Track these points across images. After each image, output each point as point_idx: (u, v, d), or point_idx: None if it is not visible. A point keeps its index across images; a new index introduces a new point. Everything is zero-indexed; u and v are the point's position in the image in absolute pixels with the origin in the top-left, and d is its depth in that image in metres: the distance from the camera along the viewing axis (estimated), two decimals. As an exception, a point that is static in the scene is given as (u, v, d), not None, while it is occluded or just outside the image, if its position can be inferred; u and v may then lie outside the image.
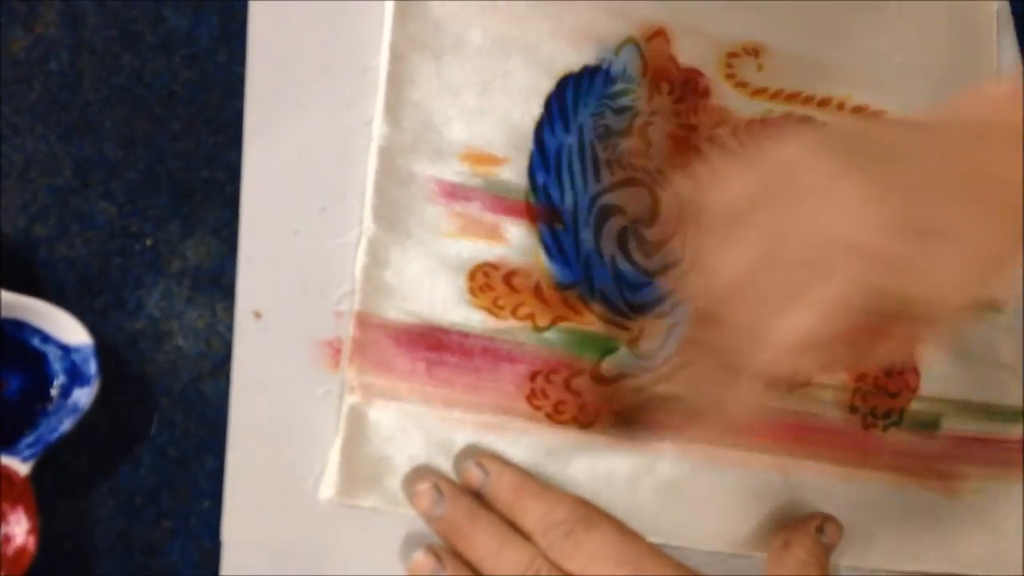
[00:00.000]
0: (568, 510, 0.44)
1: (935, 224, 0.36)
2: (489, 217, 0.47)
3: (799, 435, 0.48)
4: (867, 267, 0.36)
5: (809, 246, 0.37)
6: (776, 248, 0.37)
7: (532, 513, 0.44)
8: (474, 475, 0.45)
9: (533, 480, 0.45)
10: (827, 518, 0.47)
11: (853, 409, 0.49)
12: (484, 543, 0.43)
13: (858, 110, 0.51)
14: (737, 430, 0.46)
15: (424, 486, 0.44)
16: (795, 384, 0.43)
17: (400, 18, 0.47)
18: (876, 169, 0.37)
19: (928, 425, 0.49)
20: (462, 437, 0.46)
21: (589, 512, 0.44)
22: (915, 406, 0.49)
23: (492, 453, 0.46)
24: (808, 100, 0.51)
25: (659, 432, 0.46)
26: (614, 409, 0.46)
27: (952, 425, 0.49)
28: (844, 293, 0.36)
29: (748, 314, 0.38)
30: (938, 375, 0.49)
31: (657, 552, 0.43)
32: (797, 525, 0.47)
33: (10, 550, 0.41)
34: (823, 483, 0.48)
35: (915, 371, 0.49)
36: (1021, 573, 0.49)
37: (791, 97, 0.51)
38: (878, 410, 0.49)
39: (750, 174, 0.39)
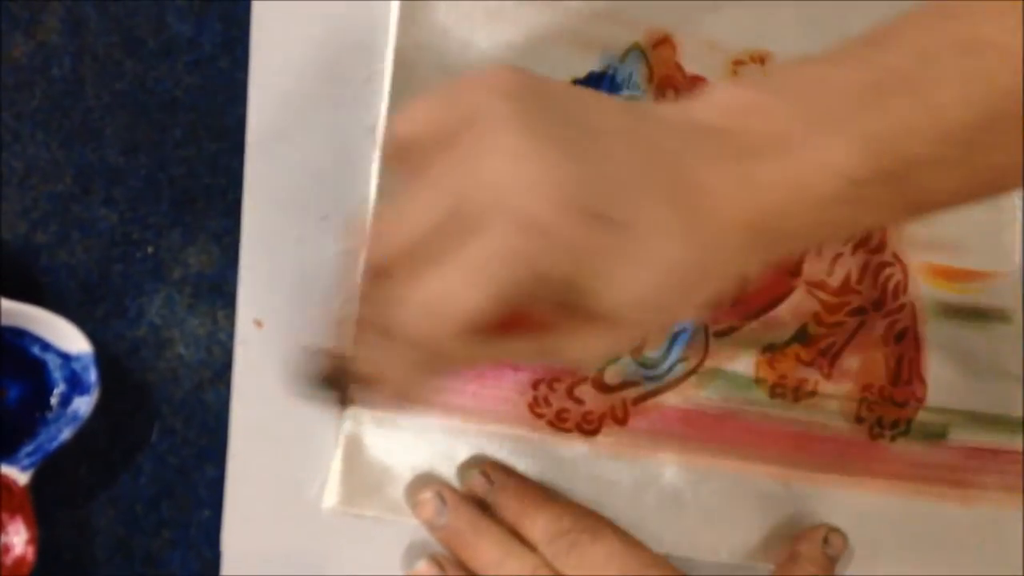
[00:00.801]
0: (573, 519, 0.43)
1: (623, 216, 0.32)
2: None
3: (804, 445, 0.48)
4: (531, 241, 0.31)
5: (477, 208, 0.32)
6: (452, 204, 0.33)
7: (537, 522, 0.43)
8: (478, 483, 0.44)
9: (538, 489, 0.45)
10: (832, 529, 0.46)
11: (859, 419, 0.48)
12: (487, 552, 0.43)
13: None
14: (412, 401, 0.43)
15: (427, 495, 0.44)
16: (468, 361, 0.37)
17: (405, 23, 0.47)
18: (571, 140, 0.33)
19: (936, 435, 0.49)
20: (464, 445, 0.45)
21: (594, 521, 0.44)
22: (922, 416, 0.49)
23: (496, 461, 0.45)
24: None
25: (351, 400, 0.44)
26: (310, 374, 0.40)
27: (960, 436, 0.49)
28: (496, 264, 0.31)
29: (408, 274, 0.33)
30: (945, 385, 0.49)
31: (662, 562, 0.43)
32: (803, 537, 0.46)
33: (9, 560, 0.40)
34: (828, 493, 0.48)
35: (921, 381, 0.49)
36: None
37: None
38: (885, 420, 0.48)
39: (437, 109, 0.34)
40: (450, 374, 0.37)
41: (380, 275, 0.34)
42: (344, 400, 0.44)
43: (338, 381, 0.38)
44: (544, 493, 0.45)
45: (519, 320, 0.34)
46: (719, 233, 0.33)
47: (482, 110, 0.33)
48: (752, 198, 0.33)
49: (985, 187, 0.36)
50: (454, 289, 0.32)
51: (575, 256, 0.32)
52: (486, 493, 0.44)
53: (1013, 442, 0.49)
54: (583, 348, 0.35)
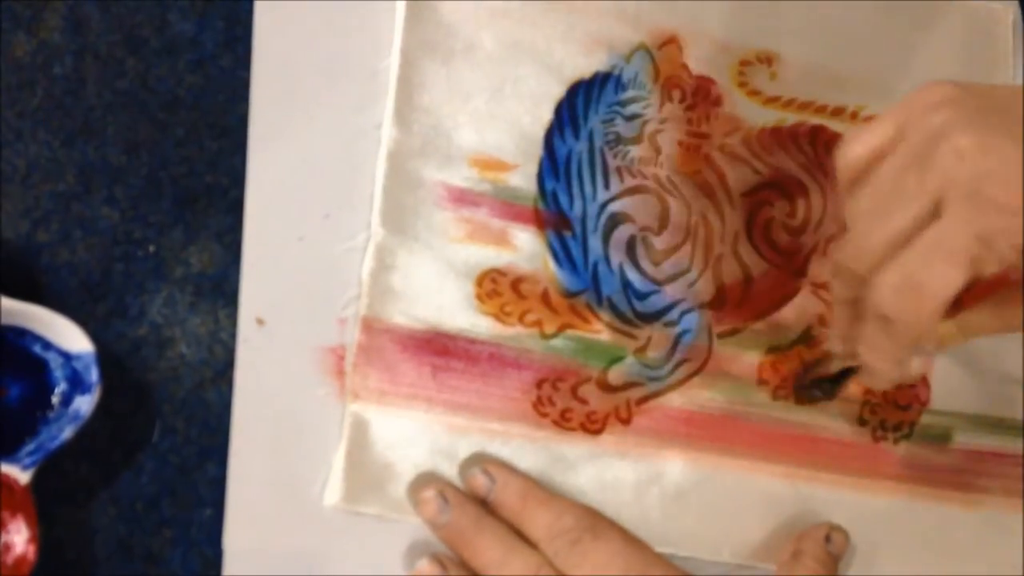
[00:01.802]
0: (575, 519, 0.43)
1: None
2: (497, 223, 0.47)
3: (807, 447, 0.48)
4: (1000, 219, 0.35)
5: (941, 199, 0.36)
6: (917, 204, 0.37)
7: (538, 521, 0.43)
8: (480, 482, 0.44)
9: (540, 488, 0.45)
10: (834, 527, 0.46)
11: (863, 422, 0.48)
12: (489, 550, 0.43)
13: (872, 119, 0.50)
14: (904, 378, 0.46)
15: (429, 493, 0.44)
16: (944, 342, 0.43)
17: (411, 22, 0.47)
18: (1014, 130, 0.36)
19: (940, 439, 0.49)
20: (467, 444, 0.45)
21: (596, 521, 0.44)
22: (926, 419, 0.49)
23: (498, 460, 0.45)
24: (821, 109, 0.50)
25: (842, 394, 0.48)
26: (798, 376, 0.48)
27: (964, 439, 0.49)
28: (968, 242, 0.36)
29: (897, 270, 0.37)
30: (949, 388, 0.49)
31: (664, 562, 0.43)
32: (805, 535, 0.46)
33: (10, 559, 0.40)
34: (831, 494, 0.48)
35: (926, 384, 0.49)
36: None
37: (804, 106, 0.50)
38: (888, 423, 0.48)
39: (883, 127, 0.39)
40: (934, 351, 0.44)
41: (858, 283, 0.39)
42: (835, 392, 0.47)
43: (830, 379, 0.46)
44: (545, 492, 0.45)
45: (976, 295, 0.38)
46: None
47: (929, 121, 0.37)
48: None
49: None
50: (930, 267, 0.36)
51: None
52: (488, 491, 0.44)
53: (1016, 445, 0.49)
54: None
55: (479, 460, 0.45)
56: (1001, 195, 0.35)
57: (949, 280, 0.36)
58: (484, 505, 0.44)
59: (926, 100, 0.38)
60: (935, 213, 0.36)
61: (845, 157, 0.40)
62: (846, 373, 0.46)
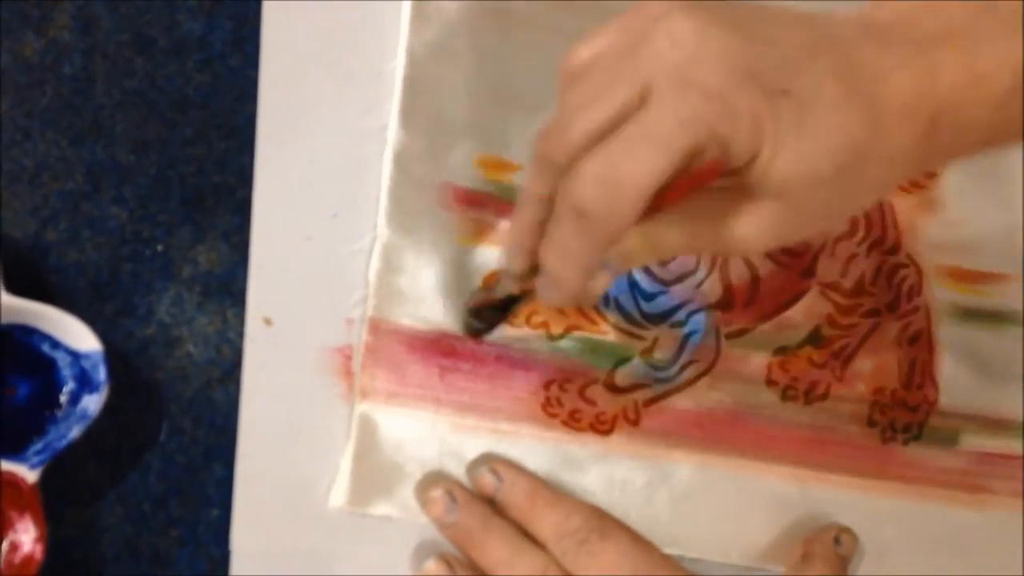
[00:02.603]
0: (583, 519, 0.43)
1: (798, 90, 0.33)
2: (503, 224, 0.47)
3: (816, 448, 0.48)
4: (708, 105, 0.32)
5: (652, 85, 0.33)
6: (627, 90, 0.34)
7: (546, 521, 0.43)
8: (488, 481, 0.44)
9: (548, 488, 0.45)
10: (843, 529, 0.46)
11: (872, 423, 0.48)
12: (497, 550, 0.43)
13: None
14: (592, 300, 0.43)
15: (437, 492, 0.44)
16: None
17: (416, 22, 0.47)
18: (743, 22, 0.34)
19: (948, 440, 0.49)
20: (475, 444, 0.45)
21: (604, 522, 0.44)
22: (934, 421, 0.48)
23: (506, 460, 0.45)
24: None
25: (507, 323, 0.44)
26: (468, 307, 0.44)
27: (973, 440, 0.49)
28: (674, 128, 0.32)
29: (599, 159, 0.34)
30: (957, 389, 0.49)
31: (672, 563, 0.43)
32: (815, 537, 0.46)
33: (17, 558, 0.41)
34: (840, 495, 0.48)
35: (934, 384, 0.49)
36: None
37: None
38: (897, 424, 0.48)
39: (611, 32, 0.36)
40: (619, 267, 0.38)
41: (557, 172, 0.35)
42: (497, 322, 0.44)
43: (496, 307, 0.42)
44: (553, 492, 0.45)
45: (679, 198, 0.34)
46: (897, 118, 0.34)
47: (654, 20, 0.34)
48: (931, 87, 0.34)
49: None
50: (631, 154, 0.33)
51: (749, 122, 0.32)
52: (496, 491, 0.44)
53: (1024, 447, 0.49)
54: (748, 226, 0.35)
55: (487, 460, 0.45)
56: (708, 78, 0.32)
57: (650, 168, 0.32)
58: (492, 505, 0.44)
59: (653, 6, 0.35)
60: (643, 100, 0.33)
61: (567, 60, 0.36)
62: (514, 300, 0.42)
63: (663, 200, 0.34)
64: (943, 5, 0.35)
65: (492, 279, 0.46)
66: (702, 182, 0.34)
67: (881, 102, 0.33)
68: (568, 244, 0.35)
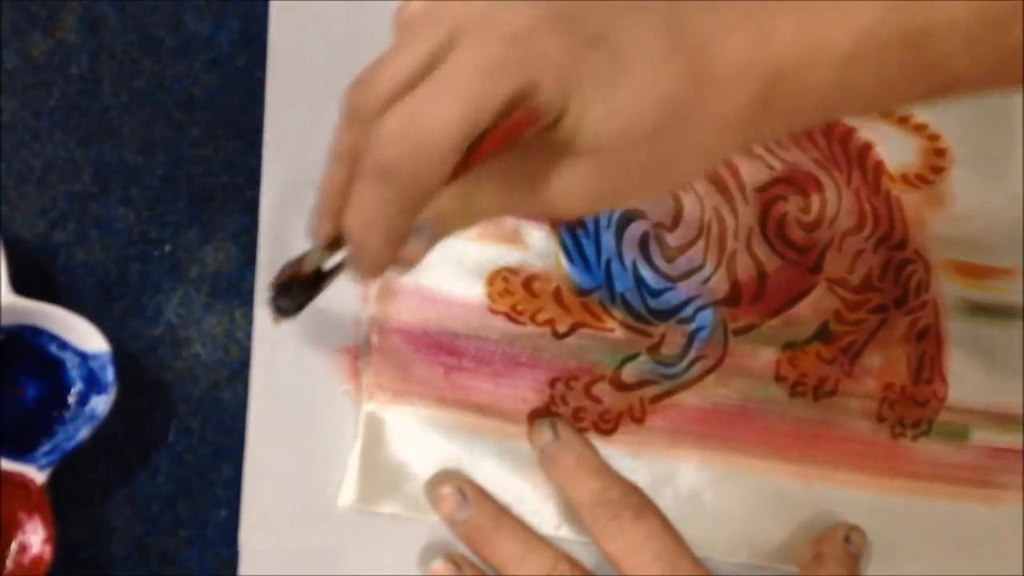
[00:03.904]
0: (622, 494, 0.43)
1: (612, 37, 0.31)
2: (509, 221, 0.47)
3: (824, 445, 0.47)
4: (511, 50, 0.30)
5: (458, 32, 0.31)
6: (432, 38, 0.31)
7: (586, 486, 0.43)
8: (544, 434, 0.45)
9: (598, 456, 0.45)
10: (852, 527, 0.46)
11: (881, 419, 0.48)
12: (508, 548, 0.43)
13: (886, 114, 0.50)
14: (406, 270, 0.37)
15: (448, 490, 0.44)
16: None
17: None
18: None
19: (958, 436, 0.48)
20: (481, 442, 0.45)
21: (641, 501, 0.43)
22: (944, 416, 0.48)
23: (567, 422, 0.45)
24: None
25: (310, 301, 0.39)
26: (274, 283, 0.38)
27: (982, 436, 0.48)
28: (476, 75, 0.30)
29: (401, 110, 0.31)
30: (967, 384, 0.48)
31: (694, 558, 0.43)
32: (825, 537, 0.46)
33: (26, 559, 0.41)
34: (849, 493, 0.47)
35: (943, 380, 0.48)
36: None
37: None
38: (906, 420, 0.48)
39: None
40: (434, 233, 0.35)
41: (364, 125, 0.32)
42: (304, 301, 0.38)
43: (299, 282, 0.37)
44: (601, 462, 0.45)
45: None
46: (726, 81, 0.32)
47: None
48: (763, 52, 0.32)
49: (1009, 74, 0.35)
50: (434, 104, 0.30)
51: (558, 69, 0.30)
52: (548, 444, 0.44)
53: (1037, 442, 0.49)
54: (565, 188, 0.33)
55: (498, 460, 0.45)
56: (513, 20, 0.30)
57: (454, 121, 0.30)
58: (540, 455, 0.45)
59: None
60: (452, 46, 0.31)
61: (399, 11, 0.34)
62: (323, 275, 0.37)
63: (474, 156, 0.31)
64: None
65: (498, 276, 0.46)
66: (513, 136, 0.31)
67: (707, 64, 0.31)
68: (372, 207, 0.32)
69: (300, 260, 0.36)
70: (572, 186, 0.33)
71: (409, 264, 0.36)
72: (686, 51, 0.31)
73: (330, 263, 0.36)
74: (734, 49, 0.32)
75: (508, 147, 0.32)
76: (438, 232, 0.35)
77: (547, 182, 0.33)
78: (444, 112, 0.30)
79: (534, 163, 0.33)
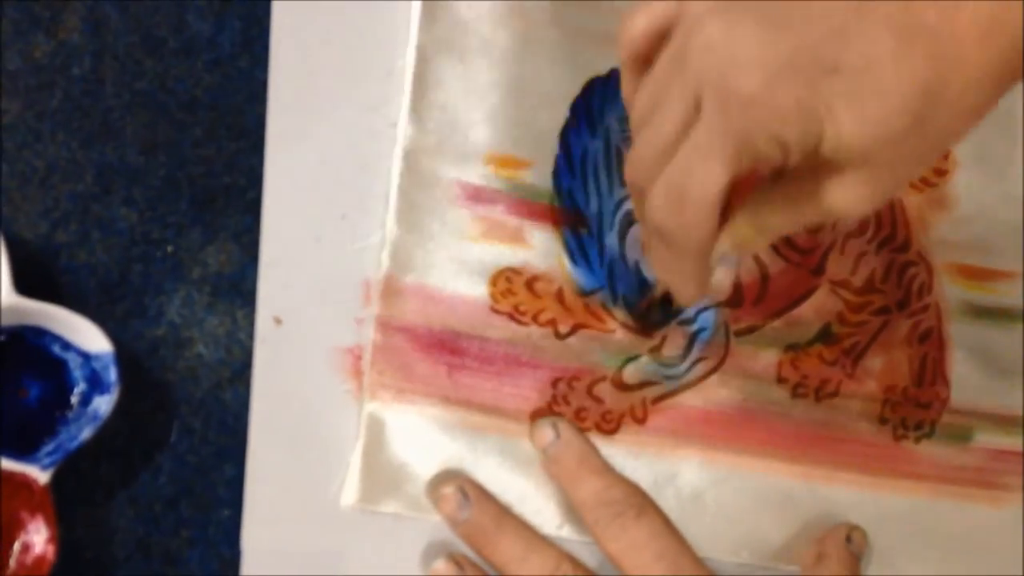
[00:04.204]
0: (623, 493, 0.44)
1: (841, 57, 0.31)
2: (513, 221, 0.47)
3: (826, 446, 0.47)
4: (746, 112, 0.32)
5: (699, 92, 0.33)
6: (678, 105, 0.34)
7: (588, 486, 0.44)
8: (546, 434, 0.45)
9: (599, 456, 0.45)
10: (853, 527, 0.46)
11: (883, 420, 0.48)
12: (510, 547, 0.43)
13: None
14: (725, 291, 0.44)
15: (449, 489, 0.44)
16: (742, 247, 0.38)
17: (427, 20, 0.47)
18: (769, 13, 0.32)
19: (961, 438, 0.48)
20: (484, 442, 0.45)
21: (642, 501, 0.44)
22: (946, 418, 0.48)
23: (570, 422, 0.46)
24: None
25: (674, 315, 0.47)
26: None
27: (985, 438, 0.48)
28: (720, 139, 0.33)
29: (663, 180, 0.35)
30: (969, 386, 0.48)
31: (696, 557, 0.43)
32: (827, 537, 0.46)
33: (29, 558, 0.41)
34: (852, 494, 0.47)
35: (945, 382, 0.48)
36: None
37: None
38: (908, 421, 0.48)
39: (666, 3, 0.36)
40: (738, 256, 0.41)
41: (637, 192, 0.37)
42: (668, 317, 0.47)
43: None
44: (603, 462, 0.45)
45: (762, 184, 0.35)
46: (974, 44, 0.32)
47: (691, 8, 0.34)
48: (1010, 11, 0.31)
49: None
50: (691, 171, 0.33)
51: (799, 112, 0.32)
52: (549, 444, 0.45)
53: (1040, 444, 0.49)
54: (845, 196, 0.34)
55: (500, 460, 0.45)
56: (744, 85, 0.32)
57: (708, 183, 0.33)
58: (542, 455, 0.45)
59: None
60: (698, 109, 0.33)
61: (627, 31, 0.37)
62: (668, 297, 0.44)
63: (736, 198, 0.35)
64: None
65: (501, 276, 0.46)
66: (760, 178, 0.35)
67: (951, 33, 0.31)
68: (664, 260, 0.37)
69: (651, 287, 0.46)
70: (850, 193, 0.34)
71: (725, 288, 0.46)
72: (925, 36, 0.31)
73: None
74: (981, 13, 0.31)
75: (770, 178, 0.35)
76: (742, 254, 0.41)
77: (826, 194, 0.35)
78: (700, 177, 0.33)
79: (811, 180, 0.35)
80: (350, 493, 0.44)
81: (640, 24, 0.36)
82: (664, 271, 0.39)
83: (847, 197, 0.34)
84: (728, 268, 0.41)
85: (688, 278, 0.38)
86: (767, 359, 0.48)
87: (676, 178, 0.34)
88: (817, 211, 0.35)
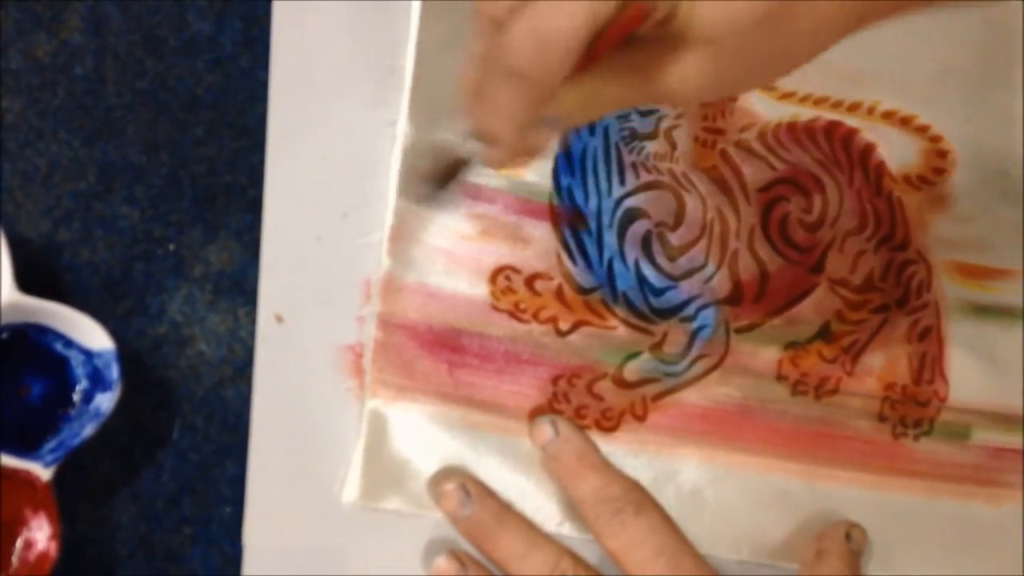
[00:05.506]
0: (623, 490, 0.44)
1: None
2: (512, 219, 0.47)
3: (826, 443, 0.47)
4: None
5: None
6: None
7: (588, 482, 0.44)
8: (545, 432, 0.45)
9: (598, 453, 0.45)
10: (852, 525, 0.46)
11: (882, 418, 0.48)
12: (511, 544, 0.43)
13: (888, 115, 0.50)
14: (534, 156, 0.40)
15: (451, 486, 0.44)
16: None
17: (427, 19, 0.47)
18: None
19: (959, 435, 0.48)
20: (485, 439, 0.45)
21: (642, 497, 0.44)
22: (945, 416, 0.48)
23: (569, 419, 0.46)
24: (837, 104, 0.50)
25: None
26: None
27: (984, 436, 0.48)
28: None
29: (523, 14, 0.33)
30: (968, 384, 0.49)
31: (697, 553, 0.43)
32: (827, 534, 0.46)
33: (32, 556, 0.41)
34: (850, 491, 0.47)
35: (944, 380, 0.48)
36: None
37: (819, 101, 0.50)
38: (907, 419, 0.48)
39: None
40: (559, 124, 0.37)
41: (495, 28, 0.34)
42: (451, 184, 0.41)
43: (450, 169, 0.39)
44: (603, 459, 0.45)
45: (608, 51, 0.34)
46: None
47: None
48: None
49: None
50: (557, 9, 0.32)
51: None
52: (549, 442, 0.45)
53: (1037, 442, 0.49)
54: (679, 75, 0.34)
55: (502, 458, 0.45)
56: None
57: (576, 22, 0.32)
58: (541, 453, 0.45)
59: None
60: None
61: None
62: (459, 164, 0.39)
63: (593, 52, 0.33)
64: None
65: (500, 274, 0.46)
66: (629, 30, 0.33)
67: None
68: (502, 102, 0.34)
69: (438, 151, 0.39)
70: (688, 75, 0.34)
71: (534, 153, 0.38)
72: None
73: (465, 153, 0.38)
74: None
75: (625, 42, 0.34)
76: (565, 124, 0.37)
77: (664, 73, 0.34)
78: (567, 16, 0.32)
79: (651, 56, 0.34)
80: (352, 490, 0.44)
81: None
82: (492, 117, 0.35)
83: (684, 76, 0.34)
84: (544, 132, 0.37)
85: (513, 129, 0.35)
86: (767, 357, 0.48)
87: (544, 14, 0.32)
88: (653, 89, 0.35)
